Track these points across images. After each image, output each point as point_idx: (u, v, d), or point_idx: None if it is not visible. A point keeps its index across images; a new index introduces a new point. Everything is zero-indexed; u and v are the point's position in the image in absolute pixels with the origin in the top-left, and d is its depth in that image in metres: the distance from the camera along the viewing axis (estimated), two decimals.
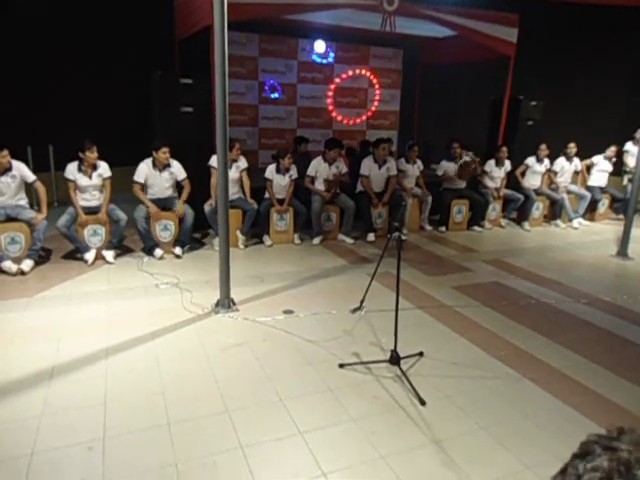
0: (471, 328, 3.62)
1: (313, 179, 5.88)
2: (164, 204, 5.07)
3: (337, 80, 8.97)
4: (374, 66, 9.25)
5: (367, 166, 6.04)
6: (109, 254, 4.77)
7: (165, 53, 6.91)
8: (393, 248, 5.58)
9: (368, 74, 9.22)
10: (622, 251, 5.73)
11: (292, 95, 8.62)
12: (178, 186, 5.22)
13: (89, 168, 4.73)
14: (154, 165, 4.96)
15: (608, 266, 5.42)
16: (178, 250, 5.04)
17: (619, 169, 7.88)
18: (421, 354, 3.14)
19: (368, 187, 6.04)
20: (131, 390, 2.67)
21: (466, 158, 6.50)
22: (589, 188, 7.52)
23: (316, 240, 5.77)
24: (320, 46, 8.50)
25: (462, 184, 6.73)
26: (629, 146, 7.79)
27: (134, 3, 6.99)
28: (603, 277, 5.03)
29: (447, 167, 6.64)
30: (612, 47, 8.82)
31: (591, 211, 7.63)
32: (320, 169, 5.83)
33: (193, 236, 5.45)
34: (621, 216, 7.89)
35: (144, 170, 4.95)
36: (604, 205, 7.76)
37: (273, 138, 8.61)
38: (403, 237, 6.25)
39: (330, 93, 8.98)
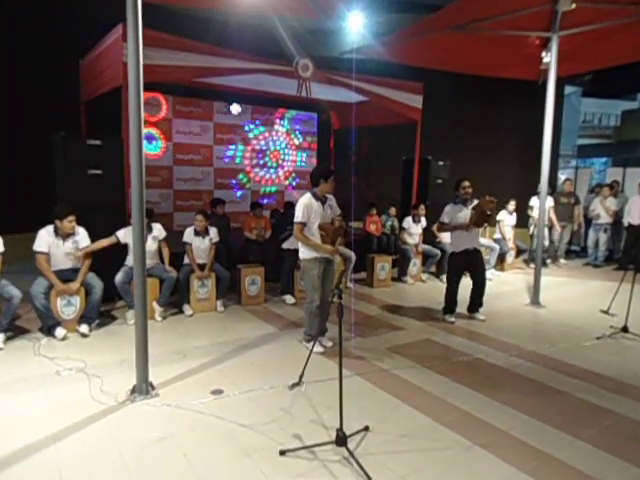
0: (412, 392, 3.47)
1: (304, 226, 4.07)
2: (66, 276, 4.48)
3: (254, 142, 8.99)
4: (290, 128, 9.44)
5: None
6: None
7: (68, 114, 6.47)
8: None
9: (284, 136, 9.38)
10: (535, 300, 6.05)
11: (208, 156, 8.45)
12: None
13: None
14: (56, 233, 4.41)
15: (525, 315, 5.65)
16: (84, 328, 4.43)
17: (523, 221, 8.53)
18: (367, 428, 2.91)
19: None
20: None
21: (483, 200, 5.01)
22: (497, 241, 8.01)
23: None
24: (236, 108, 8.54)
25: (473, 241, 5.18)
26: (534, 201, 8.38)
27: (35, 62, 6.56)
28: (523, 327, 5.21)
29: (458, 212, 5.15)
30: (508, 111, 9.87)
31: (500, 262, 8.12)
32: (314, 210, 4.07)
33: (102, 310, 4.86)
34: (533, 266, 8.47)
35: (45, 238, 4.36)
36: (511, 256, 8.29)
37: (189, 200, 8.29)
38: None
39: (247, 154, 8.95)
